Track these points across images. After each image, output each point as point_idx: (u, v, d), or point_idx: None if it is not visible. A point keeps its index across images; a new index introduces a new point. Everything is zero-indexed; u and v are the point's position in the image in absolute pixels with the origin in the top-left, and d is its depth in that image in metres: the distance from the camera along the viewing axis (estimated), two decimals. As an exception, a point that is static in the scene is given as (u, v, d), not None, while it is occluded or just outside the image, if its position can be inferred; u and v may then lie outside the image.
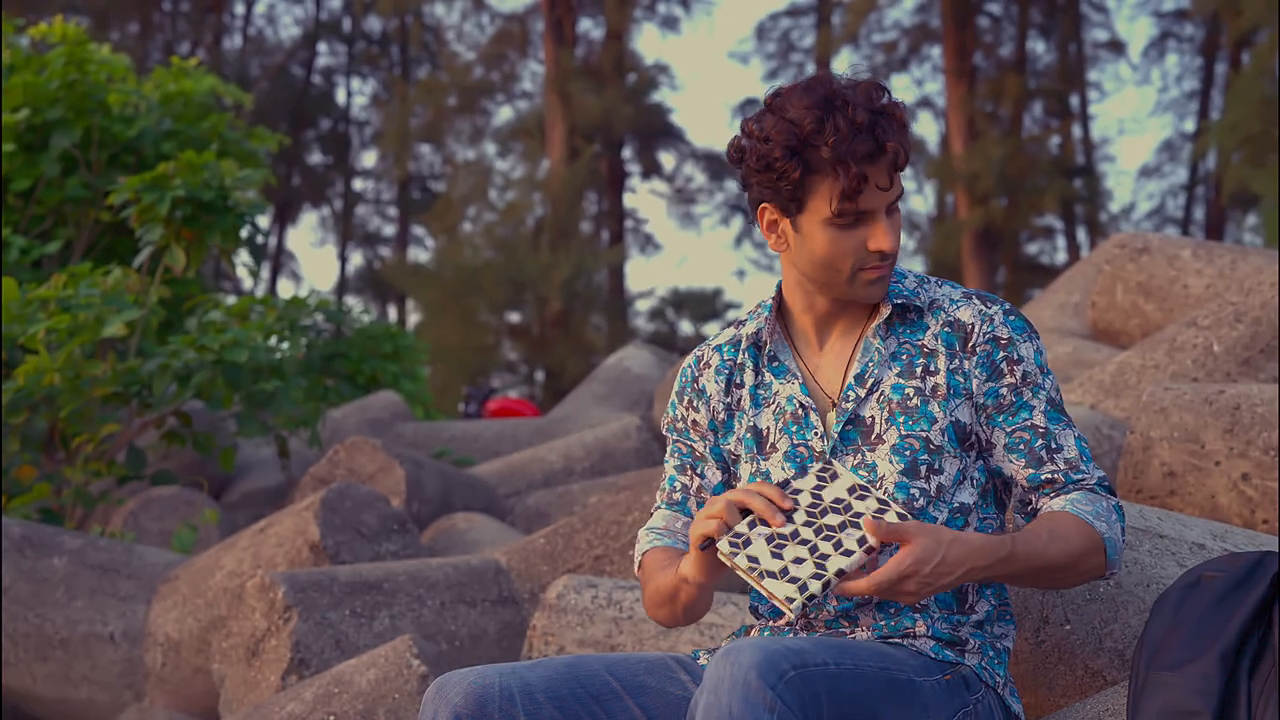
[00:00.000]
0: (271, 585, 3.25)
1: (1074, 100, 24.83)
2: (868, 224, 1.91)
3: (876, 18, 25.07)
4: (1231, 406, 2.90)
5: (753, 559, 1.76)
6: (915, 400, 1.96)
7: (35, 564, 3.89)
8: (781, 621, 2.02)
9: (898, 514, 1.80)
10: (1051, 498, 1.97)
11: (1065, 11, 24.34)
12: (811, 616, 2.00)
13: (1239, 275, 4.22)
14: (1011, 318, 1.99)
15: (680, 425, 2.11)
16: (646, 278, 44.28)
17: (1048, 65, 24.94)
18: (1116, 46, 25.28)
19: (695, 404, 2.09)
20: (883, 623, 1.97)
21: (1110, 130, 38.50)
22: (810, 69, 25.69)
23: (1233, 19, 20.73)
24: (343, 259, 26.44)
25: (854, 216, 1.90)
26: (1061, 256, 24.71)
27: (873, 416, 1.97)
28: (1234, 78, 21.42)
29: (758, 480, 1.99)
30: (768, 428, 2.02)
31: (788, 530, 1.79)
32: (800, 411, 2.00)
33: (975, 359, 1.97)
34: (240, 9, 26.56)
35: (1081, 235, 24.48)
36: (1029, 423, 1.96)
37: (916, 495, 1.94)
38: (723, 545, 1.77)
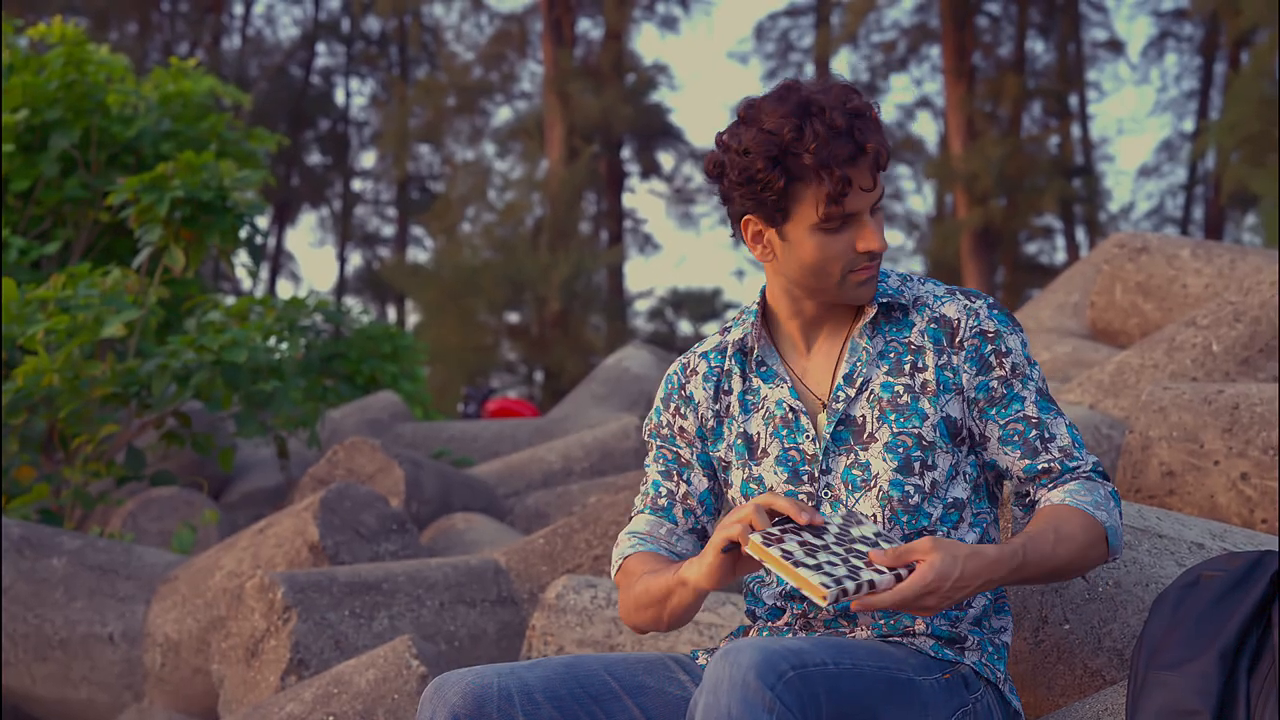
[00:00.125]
0: (271, 586, 3.25)
1: (1073, 100, 24.84)
2: (854, 226, 1.92)
3: (875, 18, 25.08)
4: (1230, 406, 2.90)
5: (786, 552, 1.75)
6: (905, 397, 1.97)
7: (34, 564, 3.89)
8: (780, 622, 2.02)
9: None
10: (1049, 488, 1.97)
11: (1064, 11, 24.35)
12: (811, 616, 2.00)
13: (1238, 275, 4.22)
14: (995, 311, 2.00)
15: (665, 432, 2.10)
16: (646, 278, 44.28)
17: (1047, 65, 24.96)
18: (1115, 46, 25.29)
19: (682, 411, 2.08)
20: (882, 621, 1.97)
21: (1109, 130, 38.51)
22: (810, 69, 25.73)
23: (1232, 18, 20.73)
24: (342, 259, 26.45)
25: (840, 220, 1.90)
26: (1060, 256, 24.73)
27: (864, 416, 1.97)
28: (1233, 77, 21.42)
29: (755, 491, 2.01)
30: (758, 433, 2.02)
31: (819, 542, 1.79)
32: (790, 415, 2.00)
33: (963, 354, 1.97)
34: (239, 9, 26.58)
35: (1081, 235, 24.50)
36: (1021, 414, 1.97)
37: (911, 492, 1.95)
38: (755, 538, 1.76)
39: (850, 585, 1.72)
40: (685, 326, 24.94)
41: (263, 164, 8.13)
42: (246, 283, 17.79)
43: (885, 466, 1.95)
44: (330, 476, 4.80)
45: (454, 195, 24.64)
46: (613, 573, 2.10)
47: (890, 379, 1.98)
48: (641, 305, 26.20)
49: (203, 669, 3.70)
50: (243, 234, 5.38)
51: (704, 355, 2.10)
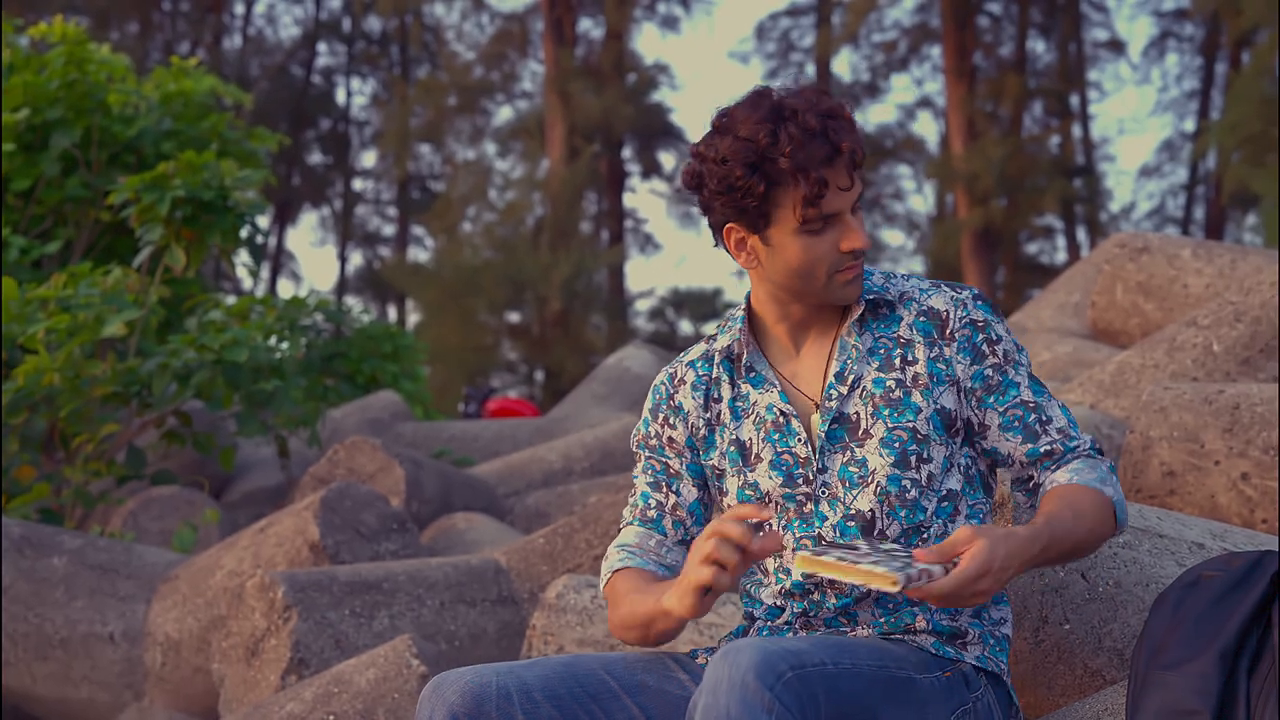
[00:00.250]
0: (271, 585, 3.25)
1: (1074, 100, 24.85)
2: (836, 226, 1.92)
3: (876, 17, 25.09)
4: (1231, 406, 2.91)
5: (840, 557, 1.75)
6: (898, 392, 1.98)
7: (35, 564, 3.90)
8: (780, 621, 2.02)
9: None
10: (1053, 470, 1.98)
11: (1065, 11, 24.35)
12: (811, 615, 2.00)
13: (1239, 275, 4.22)
14: (980, 301, 2.02)
15: (654, 442, 2.10)
16: (646, 277, 44.30)
17: (1048, 65, 24.97)
18: (1116, 46, 25.31)
19: (672, 421, 2.08)
20: (883, 619, 1.97)
21: (1110, 130, 38.53)
22: (810, 69, 25.74)
23: (1233, 18, 20.73)
24: (342, 259, 26.46)
25: (822, 221, 1.91)
26: (1061, 256, 24.74)
27: (857, 413, 1.98)
28: (1234, 77, 21.42)
29: (751, 498, 2.01)
30: (750, 439, 2.02)
31: (858, 551, 1.79)
32: (781, 419, 2.00)
33: (955, 345, 1.99)
34: (240, 9, 26.59)
35: (1081, 235, 24.51)
36: (1019, 399, 1.99)
37: (908, 486, 1.95)
38: (804, 553, 1.76)
39: (914, 572, 1.72)
40: (686, 326, 24.97)
41: (264, 163, 8.13)
42: (247, 282, 17.80)
43: (882, 462, 1.96)
44: (331, 476, 4.80)
45: (455, 195, 24.65)
46: (601, 585, 2.10)
47: (881, 375, 1.99)
48: (642, 305, 26.23)
49: (203, 668, 3.70)
50: (244, 233, 5.38)
51: (691, 364, 2.10)
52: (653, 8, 26.61)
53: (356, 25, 26.80)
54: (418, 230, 26.34)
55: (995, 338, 2.00)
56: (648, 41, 42.09)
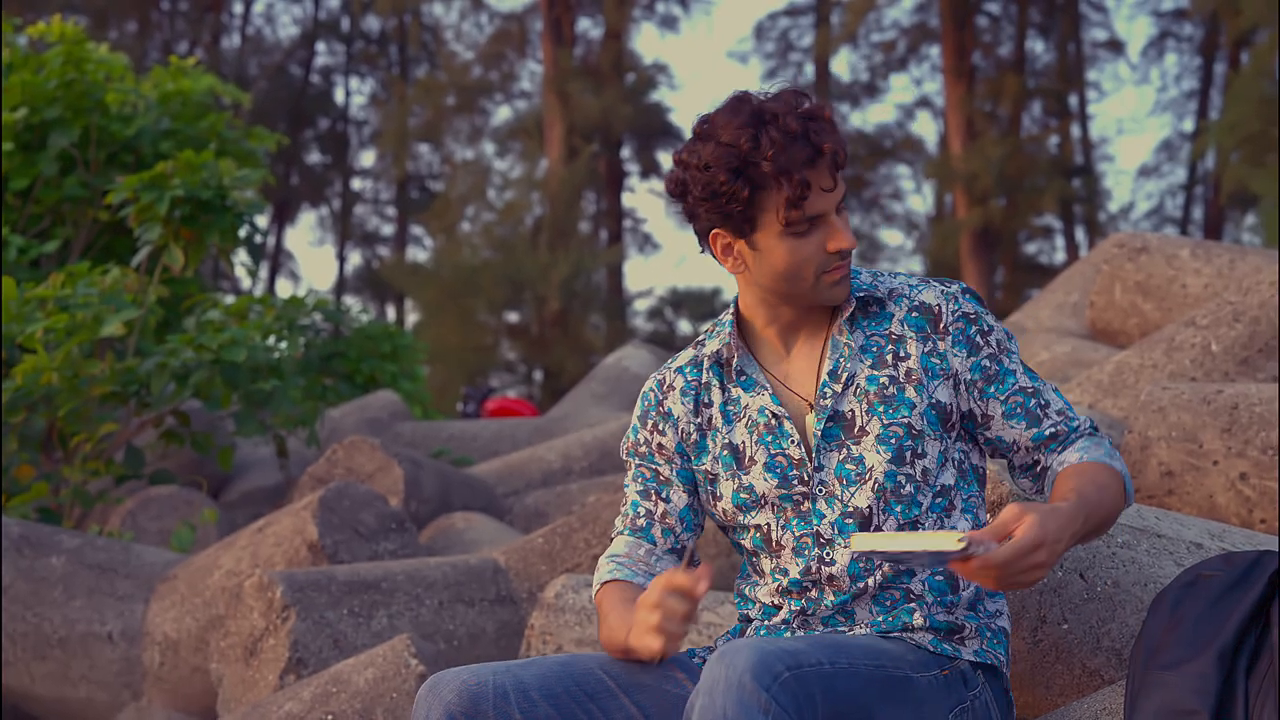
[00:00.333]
0: (270, 584, 3.25)
1: (1073, 100, 24.84)
2: (822, 227, 1.93)
3: (875, 17, 25.08)
4: (1229, 406, 2.91)
5: (894, 534, 1.74)
6: (891, 389, 1.98)
7: (33, 563, 3.89)
8: (777, 619, 2.02)
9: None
10: (1059, 452, 2.00)
11: (1064, 11, 24.35)
12: (809, 613, 2.00)
13: (1237, 275, 4.22)
14: (968, 294, 2.04)
15: (643, 450, 2.10)
16: (645, 277, 44.33)
17: (1046, 65, 24.96)
18: (1115, 46, 25.30)
19: (661, 427, 2.08)
20: (881, 618, 1.97)
21: (1109, 130, 38.55)
22: (809, 69, 25.75)
23: (1232, 18, 20.73)
24: (341, 258, 26.45)
25: (807, 223, 1.92)
26: (1060, 256, 24.73)
27: (852, 410, 1.99)
28: (1233, 77, 21.42)
29: (746, 500, 2.02)
30: (743, 442, 2.03)
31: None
32: (773, 421, 2.01)
33: (950, 338, 2.00)
34: (239, 8, 26.58)
35: (1080, 235, 24.51)
36: (1017, 386, 2.01)
37: (903, 481, 1.96)
38: (859, 536, 1.74)
39: (975, 538, 1.70)
40: (685, 326, 24.96)
41: (262, 163, 8.13)
42: (246, 282, 17.79)
43: (879, 459, 1.96)
44: (329, 475, 4.80)
45: (453, 194, 24.64)
46: (592, 594, 2.10)
47: (874, 371, 2.00)
48: (641, 305, 26.22)
49: (201, 668, 3.70)
50: (242, 233, 5.38)
51: (680, 370, 2.10)
52: (651, 7, 26.61)
53: (355, 25, 26.80)
54: (416, 230, 26.35)
55: (987, 328, 2.02)
56: (647, 41, 42.15)
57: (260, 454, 6.06)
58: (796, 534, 1.99)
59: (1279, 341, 3.43)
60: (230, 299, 7.48)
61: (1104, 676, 2.20)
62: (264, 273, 24.65)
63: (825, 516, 1.98)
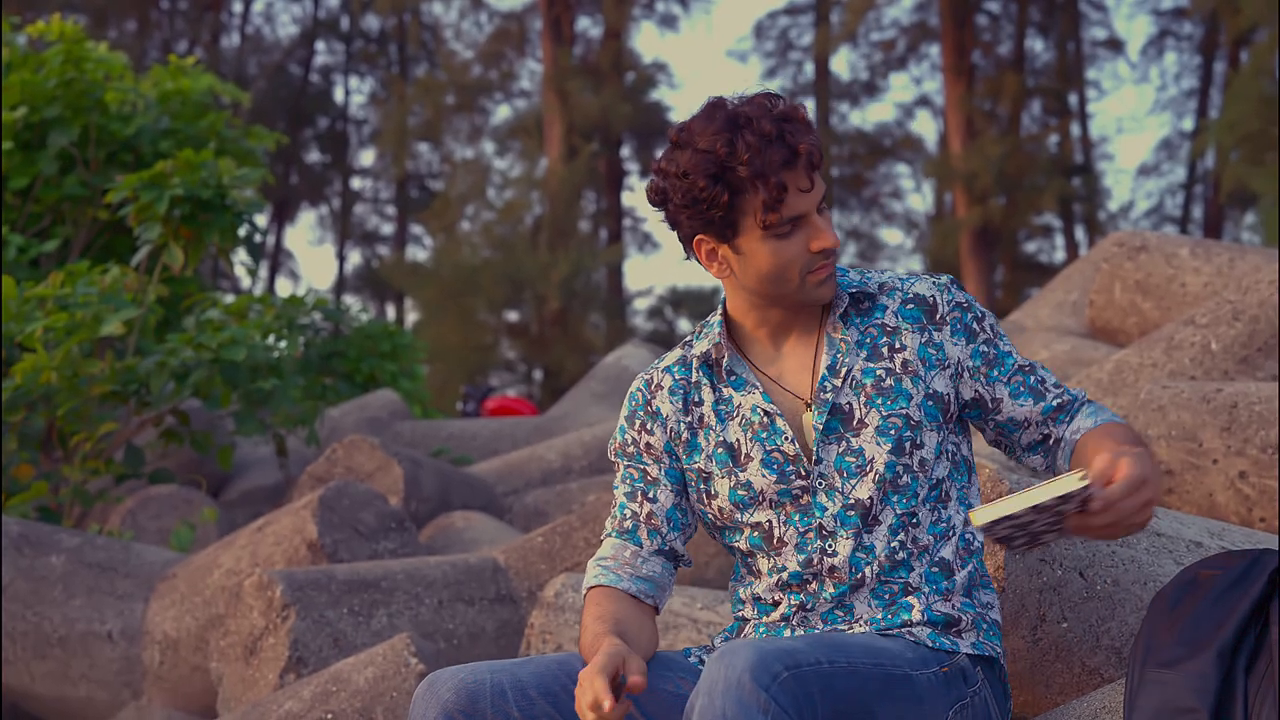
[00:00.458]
0: (269, 583, 3.25)
1: (1072, 99, 24.84)
2: (804, 228, 1.95)
3: (875, 16, 25.08)
4: (1229, 405, 2.91)
5: (1010, 496, 1.74)
6: (889, 381, 2.00)
7: (33, 562, 3.89)
8: (775, 615, 2.03)
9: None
10: (1068, 422, 2.03)
11: (1064, 10, 24.35)
12: (809, 608, 2.00)
13: (1237, 273, 4.22)
14: (956, 285, 2.08)
15: (631, 450, 2.10)
16: (645, 276, 44.32)
17: (1046, 64, 24.96)
18: (1115, 45, 25.30)
19: (649, 427, 2.09)
20: (880, 615, 1.98)
21: (1109, 129, 38.56)
22: (809, 68, 25.74)
23: (1231, 17, 20.73)
24: (341, 258, 26.45)
25: (789, 225, 1.93)
26: (1060, 255, 24.73)
27: (850, 403, 2.00)
28: (1232, 76, 21.42)
29: (744, 498, 2.02)
30: (738, 440, 2.03)
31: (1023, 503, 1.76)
32: (766, 419, 2.02)
33: (947, 328, 2.03)
34: (238, 7, 26.58)
35: (1080, 234, 24.50)
36: (1016, 365, 2.05)
37: (902, 472, 1.98)
38: (976, 510, 1.75)
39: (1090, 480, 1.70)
40: (684, 325, 24.95)
41: (262, 162, 8.13)
42: (245, 281, 17.80)
43: (879, 450, 1.98)
44: (329, 475, 4.80)
45: (453, 193, 24.63)
46: (581, 597, 2.11)
47: (871, 365, 2.01)
48: (641, 304, 26.22)
49: (201, 667, 3.70)
50: (242, 232, 5.38)
51: (668, 370, 2.11)
52: (651, 6, 26.61)
53: (355, 24, 26.80)
54: (416, 229, 26.35)
55: (980, 314, 2.06)
56: (646, 40, 42.15)
57: (260, 453, 6.06)
58: (800, 530, 2.00)
59: (1278, 340, 3.43)
60: (230, 298, 7.48)
61: (1103, 675, 2.20)
62: (263, 272, 24.65)
63: (827, 509, 1.99)
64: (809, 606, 2.00)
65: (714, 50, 41.61)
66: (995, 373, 2.03)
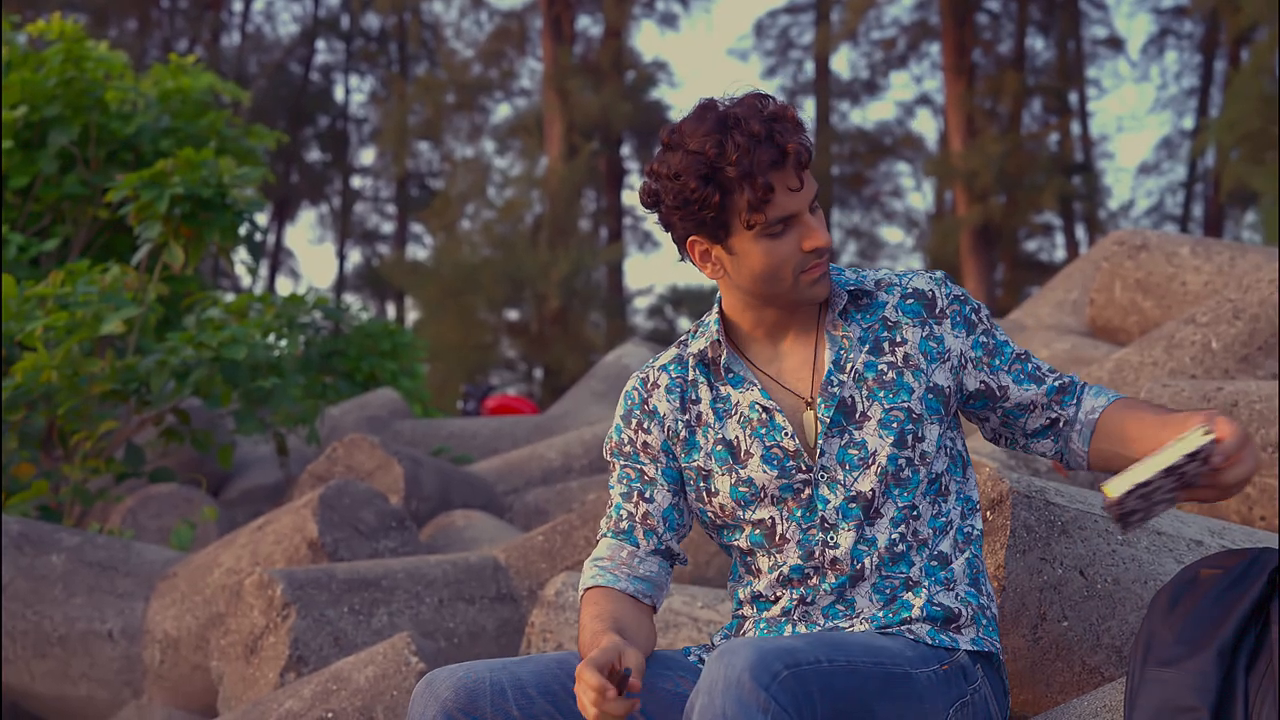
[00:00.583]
0: (270, 582, 3.25)
1: (1073, 97, 24.84)
2: (796, 228, 1.96)
3: (875, 14, 25.08)
4: (1229, 403, 2.91)
5: (1138, 464, 1.78)
6: (890, 374, 2.02)
7: (34, 561, 3.89)
8: (775, 610, 2.03)
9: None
10: (1075, 403, 2.06)
11: (1064, 8, 24.34)
12: (809, 602, 2.01)
13: (1237, 272, 4.22)
14: (950, 280, 2.11)
15: (627, 449, 2.10)
16: (645, 275, 44.26)
17: (1046, 62, 24.95)
18: (1115, 43, 25.29)
19: (646, 425, 2.09)
20: (880, 612, 1.98)
21: (1109, 127, 38.56)
22: (809, 66, 25.74)
23: (1232, 16, 20.73)
24: (341, 256, 26.46)
25: (781, 224, 1.94)
26: (1060, 254, 24.73)
27: (852, 397, 2.02)
28: (1233, 75, 21.41)
29: (745, 494, 2.03)
30: (737, 437, 2.04)
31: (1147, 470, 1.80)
32: (765, 416, 2.03)
33: (948, 321, 2.05)
34: (238, 6, 26.58)
35: (1080, 232, 24.50)
36: (1015, 353, 2.09)
37: (903, 465, 1.99)
38: (1107, 484, 1.78)
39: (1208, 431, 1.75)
40: (684, 323, 24.95)
41: (262, 161, 8.13)
42: (246, 280, 17.79)
43: (882, 443, 1.99)
44: (329, 473, 4.80)
45: (453, 192, 24.63)
46: (578, 598, 2.11)
47: (873, 358, 2.03)
48: (641, 302, 26.23)
49: (202, 666, 3.70)
50: (242, 231, 5.38)
51: (664, 368, 2.11)
52: (651, 5, 26.60)
53: (355, 22, 26.79)
54: (416, 228, 26.35)
55: (976, 306, 2.09)
56: (646, 39, 42.14)
57: (260, 452, 6.06)
58: (803, 526, 2.00)
59: (1279, 339, 3.43)
60: (230, 297, 7.48)
61: (1104, 674, 2.20)
62: (264, 271, 24.65)
63: (829, 502, 2.00)
64: (809, 600, 2.01)
65: (714, 49, 41.64)
66: (997, 361, 2.06)
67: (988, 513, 2.28)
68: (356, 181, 27.14)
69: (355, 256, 28.03)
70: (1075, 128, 24.67)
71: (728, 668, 1.69)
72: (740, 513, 2.04)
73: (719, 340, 2.06)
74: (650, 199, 2.00)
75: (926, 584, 1.98)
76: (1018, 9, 24.41)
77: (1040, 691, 2.26)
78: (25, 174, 7.34)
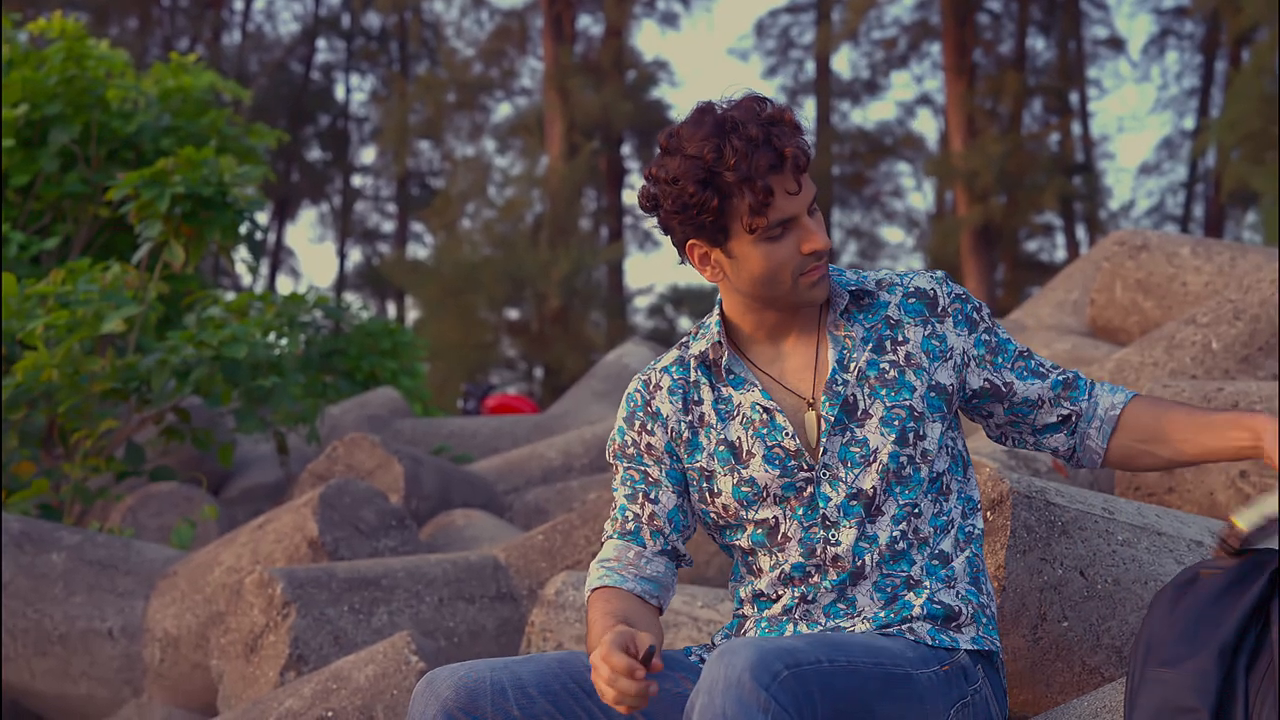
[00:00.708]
0: (270, 581, 3.25)
1: (1073, 97, 24.82)
2: (794, 230, 1.96)
3: (876, 14, 25.07)
4: (1230, 404, 2.91)
5: (1263, 497, 1.82)
6: (892, 373, 2.03)
7: (34, 560, 3.90)
8: (776, 609, 2.03)
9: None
10: (1085, 398, 2.08)
11: (1065, 8, 24.33)
12: (810, 600, 2.01)
13: (1238, 272, 4.22)
14: (950, 279, 2.12)
15: (631, 451, 2.10)
16: (645, 274, 44.25)
17: (1047, 62, 24.93)
18: (1116, 43, 25.27)
19: (649, 427, 2.09)
20: (882, 611, 1.98)
21: (1110, 127, 38.57)
22: (810, 66, 25.73)
23: (1232, 16, 20.72)
24: (342, 255, 26.45)
25: (779, 227, 1.95)
26: (1061, 254, 24.71)
27: (854, 395, 2.02)
28: (1234, 75, 21.41)
29: (748, 494, 2.03)
30: (739, 438, 2.04)
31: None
32: (766, 416, 2.03)
33: (950, 320, 2.06)
34: (239, 5, 26.56)
35: (1081, 233, 24.49)
36: (1017, 350, 2.10)
37: (905, 463, 2.00)
38: (1243, 518, 1.82)
39: None
40: (685, 323, 24.95)
41: (263, 160, 8.13)
42: (246, 278, 17.79)
43: (884, 440, 1.99)
44: (330, 472, 4.80)
45: (454, 191, 24.62)
46: (584, 599, 2.11)
47: (875, 357, 2.04)
48: (641, 302, 26.22)
49: (202, 664, 3.70)
50: (243, 230, 5.38)
51: (666, 370, 2.12)
52: (652, 4, 26.58)
53: (356, 21, 26.78)
54: (417, 227, 26.34)
55: (977, 305, 2.10)
56: (647, 38, 42.14)
57: (260, 451, 6.06)
58: (805, 524, 2.00)
59: (1279, 340, 3.43)
60: (231, 296, 7.48)
61: (1104, 674, 2.21)
62: (264, 269, 24.65)
63: (831, 499, 2.00)
64: (810, 599, 2.01)
65: (715, 48, 41.65)
66: (1000, 359, 2.07)
67: (988, 513, 2.28)
68: (357, 180, 27.16)
69: (356, 255, 28.04)
70: (1076, 128, 24.67)
71: (728, 667, 1.69)
72: (743, 512, 2.04)
73: (720, 342, 2.06)
74: (649, 203, 2.00)
75: (927, 582, 1.99)
76: (1019, 9, 24.41)
77: (1040, 692, 2.26)
78: (26, 172, 7.34)
